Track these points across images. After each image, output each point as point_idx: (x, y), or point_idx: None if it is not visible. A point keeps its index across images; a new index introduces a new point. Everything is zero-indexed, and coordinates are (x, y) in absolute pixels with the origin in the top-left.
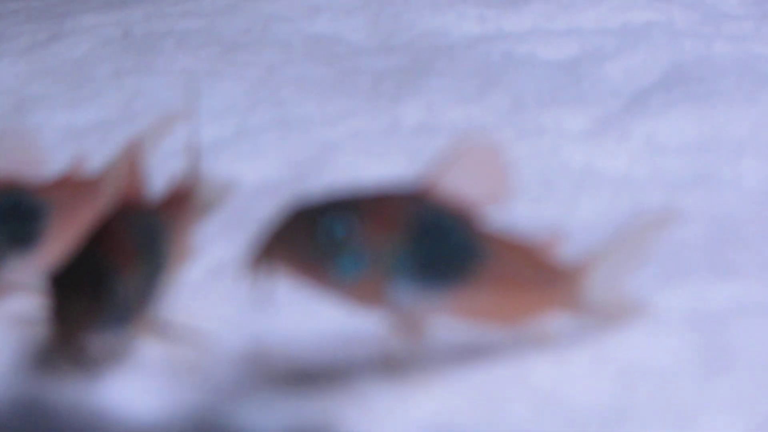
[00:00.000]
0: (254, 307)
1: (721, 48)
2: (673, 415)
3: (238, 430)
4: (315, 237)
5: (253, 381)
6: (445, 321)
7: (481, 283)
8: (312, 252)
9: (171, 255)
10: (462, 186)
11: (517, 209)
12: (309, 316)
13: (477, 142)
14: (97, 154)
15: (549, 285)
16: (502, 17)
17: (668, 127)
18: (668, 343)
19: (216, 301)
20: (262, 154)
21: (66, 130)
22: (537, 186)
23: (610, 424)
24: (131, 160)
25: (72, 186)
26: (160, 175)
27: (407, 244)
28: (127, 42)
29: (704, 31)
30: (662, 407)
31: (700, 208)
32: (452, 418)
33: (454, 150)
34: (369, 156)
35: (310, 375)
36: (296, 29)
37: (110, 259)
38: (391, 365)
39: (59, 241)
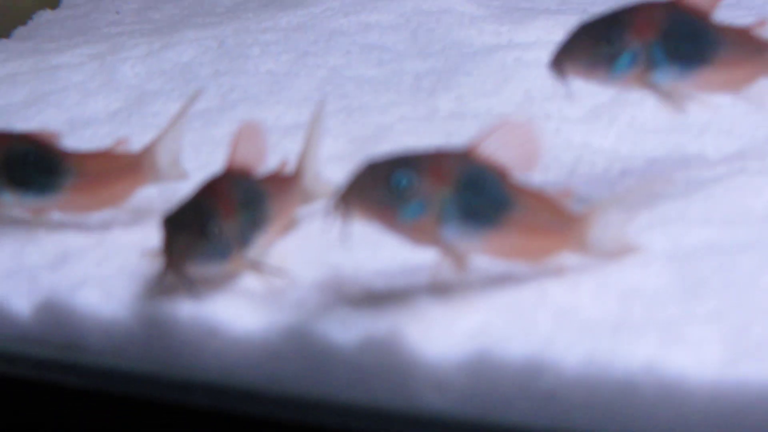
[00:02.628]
0: (336, 244)
1: None
2: (663, 326)
3: (320, 342)
4: (385, 187)
5: (333, 303)
6: (484, 256)
7: (513, 227)
8: (382, 199)
9: (270, 217)
10: (501, 153)
11: (532, 175)
12: (378, 250)
13: (515, 120)
14: (204, 135)
15: (564, 230)
16: (513, 32)
17: (645, 113)
18: (656, 274)
19: (305, 241)
20: (331, 133)
21: None
22: (546, 158)
23: (614, 332)
24: (245, 137)
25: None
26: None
27: (456, 194)
28: (222, 50)
29: None
30: (654, 320)
31: (674, 174)
32: (490, 328)
33: (496, 125)
34: (413, 135)
35: (378, 297)
36: (353, 41)
37: (213, 207)
38: (442, 289)
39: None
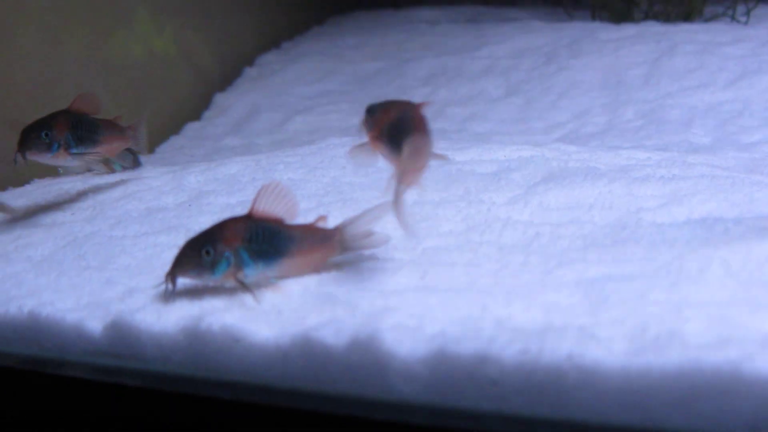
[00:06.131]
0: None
1: (573, 164)
2: (578, 329)
3: (318, 345)
4: (199, 258)
5: (327, 318)
6: (278, 276)
7: (293, 253)
8: (199, 266)
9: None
10: (270, 209)
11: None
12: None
13: (274, 185)
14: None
15: (327, 242)
16: (456, 154)
17: (549, 199)
18: (568, 295)
19: (310, 278)
20: (332, 216)
21: (224, 205)
22: (479, 229)
23: (541, 334)
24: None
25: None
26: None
27: (247, 246)
28: (258, 167)
29: (562, 158)
30: (570, 325)
31: (572, 233)
32: (445, 333)
33: (262, 191)
34: (387, 218)
35: (361, 311)
36: (348, 161)
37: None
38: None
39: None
